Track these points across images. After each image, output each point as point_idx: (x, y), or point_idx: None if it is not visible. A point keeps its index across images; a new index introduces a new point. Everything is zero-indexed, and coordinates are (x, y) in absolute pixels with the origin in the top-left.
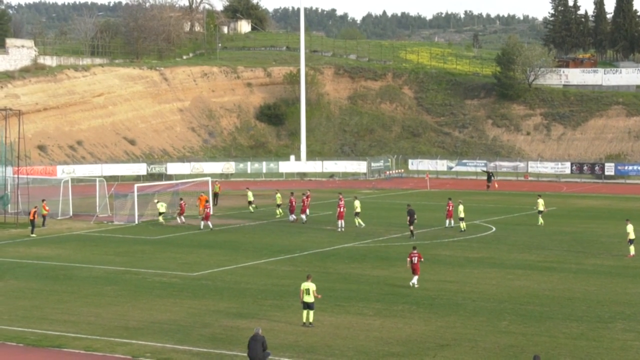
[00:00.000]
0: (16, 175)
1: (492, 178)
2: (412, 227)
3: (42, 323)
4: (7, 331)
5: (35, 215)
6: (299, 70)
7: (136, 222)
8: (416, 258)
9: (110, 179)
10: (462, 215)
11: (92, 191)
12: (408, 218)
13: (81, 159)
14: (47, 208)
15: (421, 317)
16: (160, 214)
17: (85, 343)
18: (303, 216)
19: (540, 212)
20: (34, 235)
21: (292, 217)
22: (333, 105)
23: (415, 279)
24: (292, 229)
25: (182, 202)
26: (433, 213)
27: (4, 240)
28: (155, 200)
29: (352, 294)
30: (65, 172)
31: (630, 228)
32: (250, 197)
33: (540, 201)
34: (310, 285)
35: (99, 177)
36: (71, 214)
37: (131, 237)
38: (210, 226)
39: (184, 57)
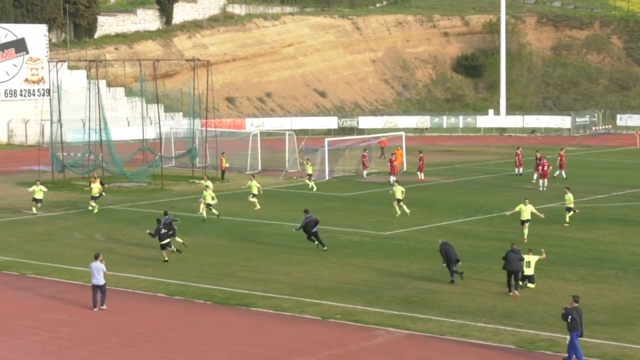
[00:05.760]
0: (204, 128)
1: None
2: None
3: (229, 281)
4: (195, 288)
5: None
6: (498, 19)
7: (326, 178)
8: None
9: (300, 132)
10: None
11: (281, 145)
12: None
13: (270, 111)
14: (225, 163)
15: (629, 283)
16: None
17: (274, 302)
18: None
19: None
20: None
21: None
22: (535, 56)
23: None
24: (490, 187)
25: (365, 153)
26: None
27: (192, 195)
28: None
29: (554, 258)
30: (254, 125)
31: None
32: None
33: None
34: (531, 258)
35: (288, 130)
36: (260, 168)
37: (321, 193)
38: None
39: (377, 5)
